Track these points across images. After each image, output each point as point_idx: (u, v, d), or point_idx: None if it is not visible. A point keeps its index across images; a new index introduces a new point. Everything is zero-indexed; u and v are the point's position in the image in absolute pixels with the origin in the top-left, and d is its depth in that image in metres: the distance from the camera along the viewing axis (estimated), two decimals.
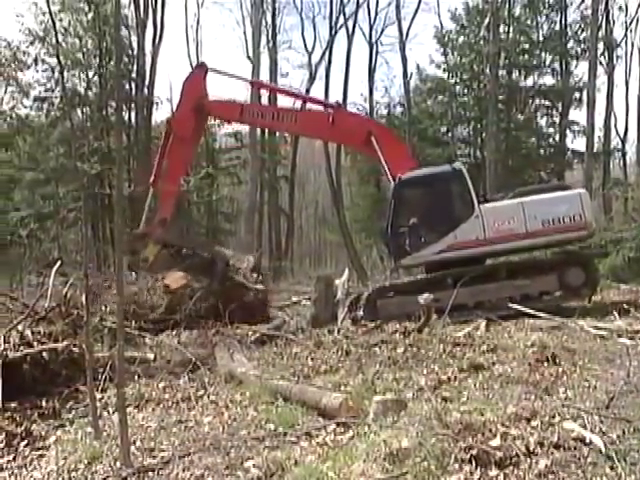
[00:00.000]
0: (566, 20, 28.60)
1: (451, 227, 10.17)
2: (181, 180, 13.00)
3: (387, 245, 11.39)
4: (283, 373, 6.06)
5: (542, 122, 31.25)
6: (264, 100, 24.79)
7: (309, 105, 12.64)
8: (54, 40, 25.28)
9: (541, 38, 29.38)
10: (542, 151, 30.42)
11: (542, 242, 10.49)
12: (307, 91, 30.28)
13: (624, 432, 3.60)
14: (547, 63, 29.80)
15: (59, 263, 8.81)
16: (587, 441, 3.37)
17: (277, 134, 29.65)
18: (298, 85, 33.09)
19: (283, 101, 22.70)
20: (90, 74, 28.65)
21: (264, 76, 28.83)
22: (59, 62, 25.33)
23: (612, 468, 3.03)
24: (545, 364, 5.52)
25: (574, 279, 10.04)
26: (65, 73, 26.30)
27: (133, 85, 27.09)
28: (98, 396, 4.96)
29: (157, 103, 28.03)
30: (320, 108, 12.66)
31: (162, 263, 10.30)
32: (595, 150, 25.19)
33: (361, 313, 9.97)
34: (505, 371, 5.38)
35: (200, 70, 11.75)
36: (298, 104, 12.60)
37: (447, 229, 10.18)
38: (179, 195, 13.47)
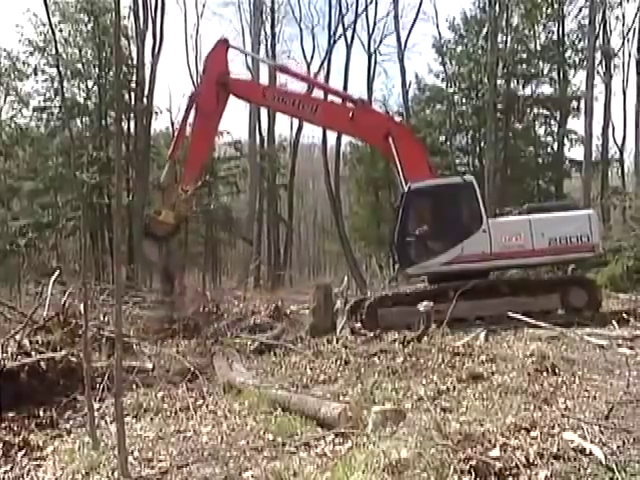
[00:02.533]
0: (564, 29, 28.87)
1: (458, 239, 10.16)
2: (206, 155, 13.07)
3: (393, 252, 11.40)
4: (282, 383, 6.03)
5: (540, 131, 31.46)
6: None
7: (332, 97, 12.66)
8: (54, 50, 25.43)
9: (539, 47, 29.62)
10: (540, 160, 30.54)
11: (548, 260, 10.50)
12: None
13: (624, 442, 3.59)
14: (545, 72, 30.06)
15: (57, 272, 8.82)
16: (587, 452, 3.35)
17: (276, 142, 29.78)
18: None
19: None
20: (89, 84, 28.88)
21: None
22: (59, 72, 25.46)
23: (612, 479, 3.01)
24: (544, 374, 5.50)
25: (577, 300, 9.99)
26: (65, 83, 26.46)
27: (132, 95, 27.19)
28: (96, 406, 4.93)
29: (156, 113, 28.17)
30: (341, 101, 12.61)
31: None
32: (593, 159, 25.26)
33: (359, 324, 9.96)
34: (504, 381, 5.35)
35: (222, 45, 11.62)
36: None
37: (454, 241, 10.17)
38: (204, 166, 13.67)
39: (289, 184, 32.31)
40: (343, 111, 11.65)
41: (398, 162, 10.75)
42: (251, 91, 12.85)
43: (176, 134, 11.99)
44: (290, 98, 12.27)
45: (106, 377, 5.66)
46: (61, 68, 25.40)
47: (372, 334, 8.97)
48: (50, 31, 25.01)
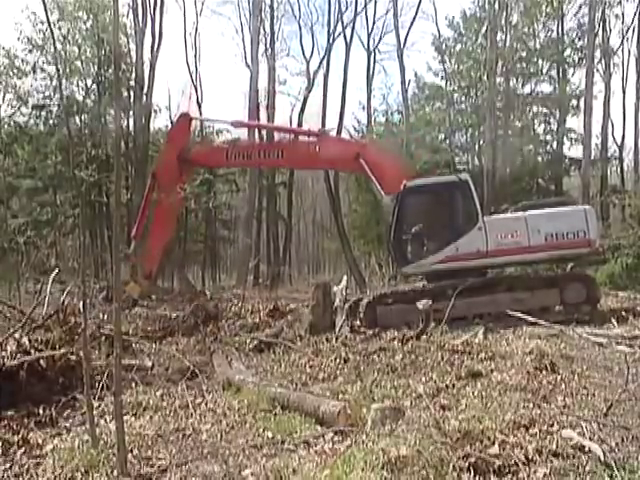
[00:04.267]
0: (563, 28, 28.83)
1: (454, 237, 10.15)
2: (168, 235, 12.54)
3: (390, 251, 11.37)
4: (281, 381, 6.04)
5: (539, 129, 31.41)
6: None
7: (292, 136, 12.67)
8: (52, 48, 25.35)
9: (538, 46, 29.56)
10: (539, 158, 30.51)
11: (544, 257, 10.47)
12: (305, 100, 30.43)
13: (623, 440, 3.60)
14: (544, 71, 29.99)
15: (56, 270, 8.80)
16: (586, 449, 3.37)
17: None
18: (296, 93, 33.25)
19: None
20: (88, 82, 28.76)
21: (262, 83, 28.99)
22: (57, 70, 25.42)
23: (611, 477, 3.02)
24: (543, 372, 5.51)
25: (575, 296, 9.95)
26: (63, 81, 26.34)
27: (131, 93, 27.12)
28: (95, 404, 4.93)
29: (155, 111, 28.10)
30: (305, 137, 12.58)
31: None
32: (592, 157, 25.26)
33: (357, 322, 9.95)
34: (503, 379, 5.36)
35: (185, 120, 11.94)
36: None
37: (450, 239, 10.17)
38: (167, 249, 13.23)
39: (288, 182, 32.25)
40: (307, 147, 11.63)
41: (374, 180, 10.74)
42: (214, 158, 12.99)
43: (139, 214, 11.63)
44: (255, 151, 12.61)
45: (105, 375, 5.68)
46: (60, 66, 25.22)
47: (371, 332, 8.98)
48: (49, 29, 24.96)
